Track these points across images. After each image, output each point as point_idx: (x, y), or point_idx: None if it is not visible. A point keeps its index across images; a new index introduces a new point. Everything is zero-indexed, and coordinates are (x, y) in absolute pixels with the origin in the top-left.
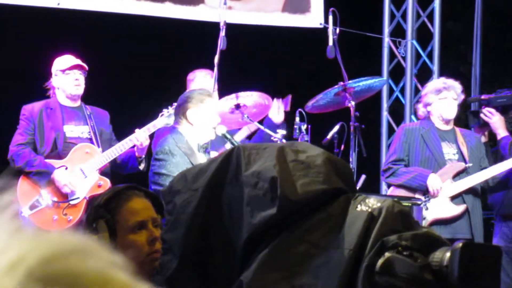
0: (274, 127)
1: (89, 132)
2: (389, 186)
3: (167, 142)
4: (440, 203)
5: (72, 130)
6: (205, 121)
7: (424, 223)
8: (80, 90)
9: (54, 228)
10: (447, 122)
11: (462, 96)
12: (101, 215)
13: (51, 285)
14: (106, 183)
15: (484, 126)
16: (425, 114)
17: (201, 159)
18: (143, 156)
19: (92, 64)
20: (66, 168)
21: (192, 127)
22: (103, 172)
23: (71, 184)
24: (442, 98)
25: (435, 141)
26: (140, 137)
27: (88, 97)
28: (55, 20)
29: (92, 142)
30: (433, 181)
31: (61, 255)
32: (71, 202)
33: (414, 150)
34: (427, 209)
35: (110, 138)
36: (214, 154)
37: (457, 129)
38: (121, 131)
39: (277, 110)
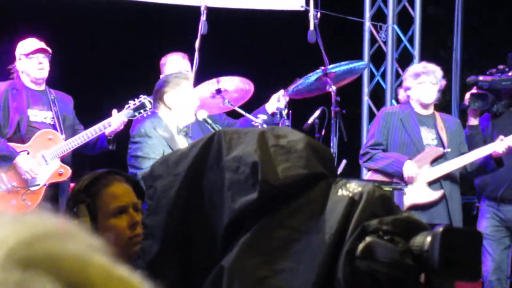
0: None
1: (53, 118)
2: (368, 170)
3: (143, 125)
4: (418, 189)
5: (36, 114)
6: (183, 104)
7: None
8: (44, 73)
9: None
10: (425, 106)
11: (443, 82)
12: (82, 200)
13: (31, 267)
14: (67, 171)
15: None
16: (405, 98)
17: (181, 142)
18: (113, 135)
19: (64, 48)
20: (28, 153)
21: (170, 111)
22: (64, 160)
23: (32, 171)
24: (420, 82)
25: (414, 125)
26: (117, 120)
27: (61, 83)
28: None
29: (55, 128)
30: (408, 168)
31: (41, 238)
32: (31, 188)
33: (392, 135)
34: (404, 194)
35: (73, 123)
36: None
37: (437, 114)
38: (96, 117)
39: (276, 99)
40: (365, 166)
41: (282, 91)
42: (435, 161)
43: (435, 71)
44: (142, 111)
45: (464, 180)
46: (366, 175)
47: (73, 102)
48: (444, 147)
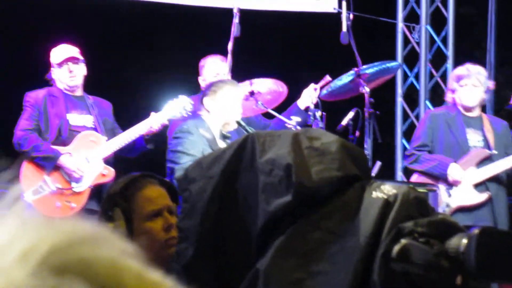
0: (298, 113)
1: (93, 121)
2: (405, 171)
3: (186, 123)
4: (463, 191)
5: (76, 118)
6: (221, 110)
7: (448, 210)
8: (76, 81)
9: (56, 215)
10: (469, 109)
11: (489, 83)
12: (117, 203)
13: (64, 273)
14: (111, 172)
15: None
16: (451, 99)
17: (221, 145)
18: (151, 135)
19: (100, 53)
20: (71, 155)
21: (210, 115)
22: (107, 161)
23: (79, 169)
24: (462, 85)
25: (459, 127)
26: (157, 121)
27: (95, 87)
28: (63, 6)
29: (96, 131)
30: (453, 170)
31: (73, 243)
32: (75, 190)
33: (438, 136)
34: (450, 196)
35: (113, 127)
36: None
37: (484, 116)
38: (133, 120)
39: (308, 95)
40: (411, 168)
41: (313, 85)
42: (481, 163)
43: (478, 72)
44: (182, 111)
45: (511, 183)
46: (413, 177)
47: (112, 107)
48: (490, 149)
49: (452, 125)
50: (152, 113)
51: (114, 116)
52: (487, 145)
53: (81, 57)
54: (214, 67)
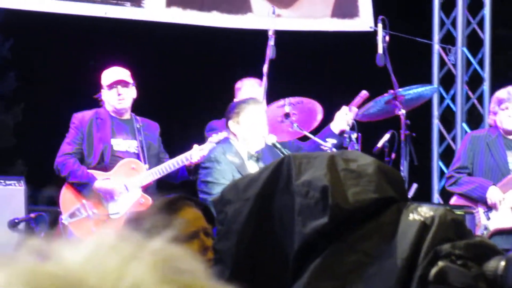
0: (332, 136)
1: (137, 146)
2: (442, 193)
3: (214, 151)
4: (503, 213)
5: (120, 143)
6: (246, 132)
7: (486, 233)
8: (124, 104)
9: None
10: (509, 132)
11: None
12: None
13: None
14: (148, 201)
15: None
16: (493, 122)
17: (252, 168)
18: (193, 166)
19: (140, 75)
20: (109, 180)
21: (237, 137)
22: (146, 189)
23: (115, 190)
24: (503, 108)
25: (500, 150)
26: (197, 154)
27: (136, 108)
28: (105, 29)
29: (139, 158)
30: (493, 193)
31: (175, 277)
32: (111, 217)
33: (478, 158)
34: (489, 219)
35: (158, 152)
36: None
37: None
38: (169, 142)
39: (341, 117)
40: (450, 190)
41: (345, 107)
42: None
43: None
44: None
45: None
46: (452, 199)
47: (160, 129)
48: None
49: (492, 148)
50: (195, 146)
51: (161, 137)
52: None
53: (131, 80)
54: (251, 90)
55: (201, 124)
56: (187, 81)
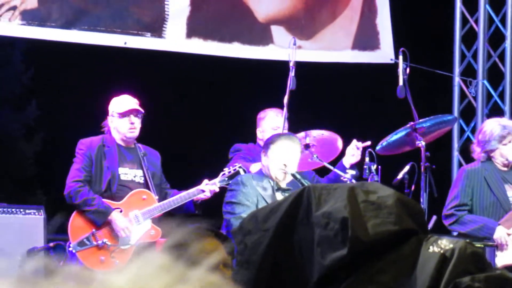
0: (343, 170)
1: (143, 176)
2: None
3: (242, 175)
4: (509, 249)
5: (127, 173)
6: (273, 165)
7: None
8: (135, 133)
9: (99, 269)
10: (509, 164)
11: None
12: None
13: None
14: (158, 232)
15: None
16: (485, 158)
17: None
18: (200, 201)
19: (157, 105)
20: (121, 211)
21: (265, 168)
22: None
23: (128, 229)
24: (506, 143)
25: (499, 184)
26: (209, 189)
27: (154, 140)
28: (121, 58)
29: (146, 187)
30: (501, 233)
31: None
32: (122, 247)
33: (478, 194)
34: (496, 256)
35: (160, 182)
36: None
37: None
38: (188, 175)
39: (351, 153)
40: (451, 229)
41: (355, 142)
42: None
43: None
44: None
45: None
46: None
47: (161, 158)
48: None
49: (490, 182)
50: (205, 181)
51: (163, 167)
52: None
53: (143, 111)
54: (275, 121)
55: (221, 154)
56: (207, 111)
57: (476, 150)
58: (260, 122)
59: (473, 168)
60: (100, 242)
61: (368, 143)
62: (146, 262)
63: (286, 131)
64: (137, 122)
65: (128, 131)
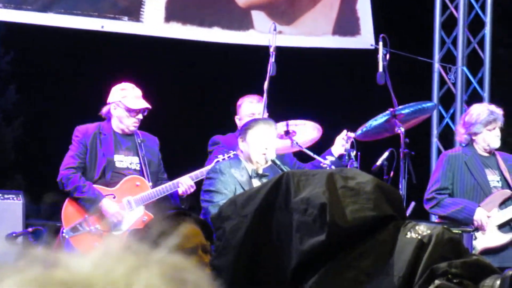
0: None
1: (139, 163)
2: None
3: (220, 163)
4: (489, 232)
5: (122, 160)
6: (251, 150)
7: (474, 252)
8: (137, 127)
9: None
10: (491, 151)
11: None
12: None
13: None
14: (151, 218)
15: None
16: (467, 141)
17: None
18: (185, 196)
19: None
20: (114, 197)
21: (244, 154)
22: (147, 206)
23: (119, 215)
24: (491, 129)
25: (479, 168)
26: (186, 183)
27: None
28: (100, 41)
29: (142, 175)
30: (480, 215)
31: (182, 286)
32: (114, 233)
33: (458, 179)
34: (475, 238)
35: (158, 170)
36: None
37: (497, 154)
38: (166, 161)
39: (341, 143)
40: (432, 212)
41: (345, 132)
42: (503, 203)
43: (500, 114)
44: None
45: None
46: (435, 221)
47: (159, 144)
48: (510, 188)
49: (471, 167)
50: (185, 176)
51: (160, 153)
52: (506, 185)
53: (150, 107)
54: (251, 107)
55: (200, 141)
56: (186, 97)
57: (460, 132)
58: (238, 110)
59: (454, 154)
60: (92, 228)
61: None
62: (112, 245)
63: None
64: (141, 117)
65: (132, 125)
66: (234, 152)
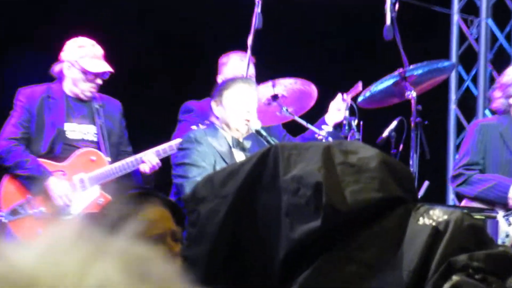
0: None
1: (96, 133)
2: (459, 196)
3: (194, 131)
4: None
5: (75, 129)
6: (229, 115)
7: (508, 241)
8: (95, 92)
9: None
10: None
11: None
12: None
13: None
14: (108, 201)
15: None
16: (504, 106)
17: (239, 158)
18: (151, 175)
19: (106, 47)
20: (64, 174)
21: (220, 121)
22: (105, 187)
23: (67, 197)
24: None
25: None
26: (151, 160)
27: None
28: None
29: (99, 148)
30: None
31: (145, 280)
32: (63, 218)
33: (491, 152)
34: (510, 224)
35: (120, 142)
36: None
37: None
38: (131, 131)
39: (336, 108)
40: (458, 191)
41: (340, 96)
42: None
43: None
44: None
45: None
46: (461, 203)
47: (122, 109)
48: None
49: (507, 139)
50: (149, 151)
51: (125, 120)
52: None
53: (113, 71)
54: (239, 66)
55: (173, 108)
56: (156, 54)
57: (496, 96)
58: (222, 68)
59: (487, 123)
60: (36, 211)
61: (359, 88)
62: (60, 232)
63: (251, 78)
64: (101, 82)
65: (88, 90)
66: (207, 122)
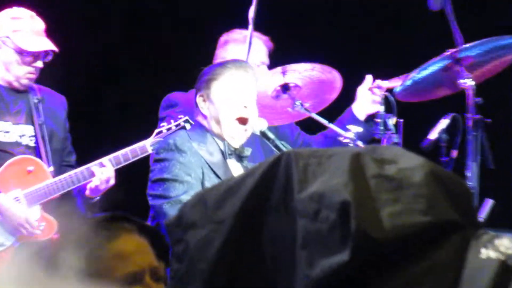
0: (356, 123)
1: (34, 136)
2: None
3: (174, 136)
4: None
5: (8, 130)
6: (221, 110)
7: None
8: (33, 79)
9: None
10: None
11: None
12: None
13: None
14: (52, 225)
15: None
16: None
17: (235, 170)
18: (97, 197)
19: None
20: None
21: (208, 120)
22: (47, 205)
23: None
24: None
25: None
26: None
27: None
28: None
29: (38, 155)
30: None
31: None
32: None
33: None
34: None
35: (63, 146)
36: None
37: None
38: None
39: (367, 94)
40: None
41: (370, 78)
42: None
43: None
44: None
45: None
46: None
47: (67, 106)
48: None
49: None
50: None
51: (69, 120)
52: None
53: (57, 50)
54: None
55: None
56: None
57: None
58: (219, 52)
59: None
60: None
61: (397, 82)
62: None
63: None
64: (40, 65)
65: (25, 76)
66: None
